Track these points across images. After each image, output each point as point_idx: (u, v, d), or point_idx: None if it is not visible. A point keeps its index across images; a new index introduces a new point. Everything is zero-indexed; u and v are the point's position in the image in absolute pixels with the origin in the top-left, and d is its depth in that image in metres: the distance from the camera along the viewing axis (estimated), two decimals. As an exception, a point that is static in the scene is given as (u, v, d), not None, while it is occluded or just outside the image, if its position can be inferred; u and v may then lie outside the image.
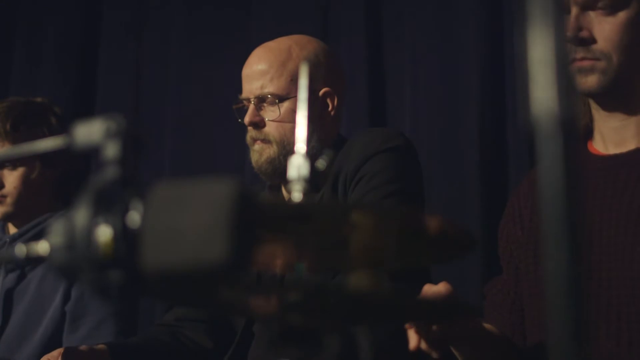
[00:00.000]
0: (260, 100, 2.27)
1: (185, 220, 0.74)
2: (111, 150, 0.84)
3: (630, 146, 1.74)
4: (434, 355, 1.56)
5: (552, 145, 0.49)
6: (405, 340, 1.56)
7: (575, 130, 0.49)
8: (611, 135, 1.76)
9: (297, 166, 0.98)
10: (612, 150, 1.76)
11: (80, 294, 2.50)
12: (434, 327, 1.52)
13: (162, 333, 2.38)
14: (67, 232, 0.80)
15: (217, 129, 3.49)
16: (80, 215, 0.80)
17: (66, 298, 2.54)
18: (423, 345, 1.54)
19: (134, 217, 0.79)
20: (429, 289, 1.54)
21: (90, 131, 0.86)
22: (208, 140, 3.61)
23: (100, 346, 2.17)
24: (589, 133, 1.81)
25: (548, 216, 0.50)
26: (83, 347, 2.14)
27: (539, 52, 0.49)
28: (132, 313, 2.61)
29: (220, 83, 3.40)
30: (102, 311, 2.51)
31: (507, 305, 1.83)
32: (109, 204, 0.80)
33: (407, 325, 1.54)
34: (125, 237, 0.78)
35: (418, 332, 1.53)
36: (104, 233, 0.79)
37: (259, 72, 2.28)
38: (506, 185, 3.01)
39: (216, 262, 0.72)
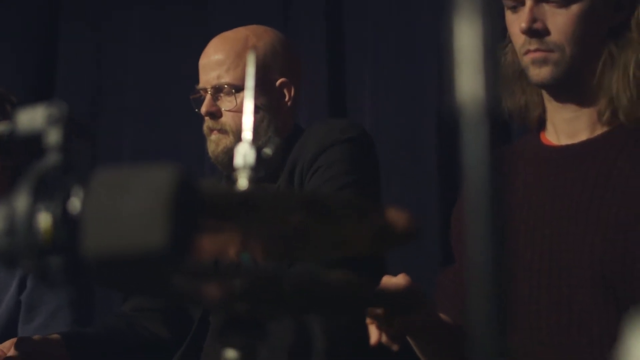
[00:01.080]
0: (217, 90, 2.27)
1: (124, 206, 0.74)
2: (53, 136, 0.83)
3: (582, 137, 1.75)
4: (394, 347, 1.57)
5: (477, 132, 0.49)
6: (362, 330, 1.56)
7: (499, 118, 0.50)
8: (563, 126, 1.77)
9: (243, 154, 0.98)
10: (565, 141, 1.77)
11: (36, 283, 2.48)
12: (396, 322, 1.52)
13: (119, 323, 2.36)
14: (7, 218, 0.80)
15: (177, 119, 3.47)
16: (21, 201, 0.80)
17: (21, 287, 2.51)
18: (383, 339, 1.55)
19: (75, 204, 0.79)
20: (388, 281, 1.54)
21: (32, 118, 0.86)
22: (168, 131, 3.60)
23: (55, 336, 2.16)
24: (542, 124, 1.82)
25: (471, 205, 0.50)
26: (36, 337, 2.13)
27: (466, 39, 0.50)
28: (89, 303, 2.59)
29: (180, 73, 3.38)
30: (57, 301, 2.49)
31: (460, 295, 1.84)
32: (49, 191, 0.80)
33: (368, 321, 1.54)
34: (65, 223, 0.78)
35: (379, 327, 1.53)
36: (44, 219, 0.79)
37: (215, 62, 2.27)
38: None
39: (154, 249, 0.72)
